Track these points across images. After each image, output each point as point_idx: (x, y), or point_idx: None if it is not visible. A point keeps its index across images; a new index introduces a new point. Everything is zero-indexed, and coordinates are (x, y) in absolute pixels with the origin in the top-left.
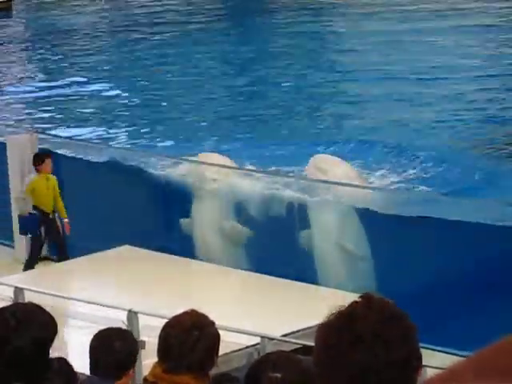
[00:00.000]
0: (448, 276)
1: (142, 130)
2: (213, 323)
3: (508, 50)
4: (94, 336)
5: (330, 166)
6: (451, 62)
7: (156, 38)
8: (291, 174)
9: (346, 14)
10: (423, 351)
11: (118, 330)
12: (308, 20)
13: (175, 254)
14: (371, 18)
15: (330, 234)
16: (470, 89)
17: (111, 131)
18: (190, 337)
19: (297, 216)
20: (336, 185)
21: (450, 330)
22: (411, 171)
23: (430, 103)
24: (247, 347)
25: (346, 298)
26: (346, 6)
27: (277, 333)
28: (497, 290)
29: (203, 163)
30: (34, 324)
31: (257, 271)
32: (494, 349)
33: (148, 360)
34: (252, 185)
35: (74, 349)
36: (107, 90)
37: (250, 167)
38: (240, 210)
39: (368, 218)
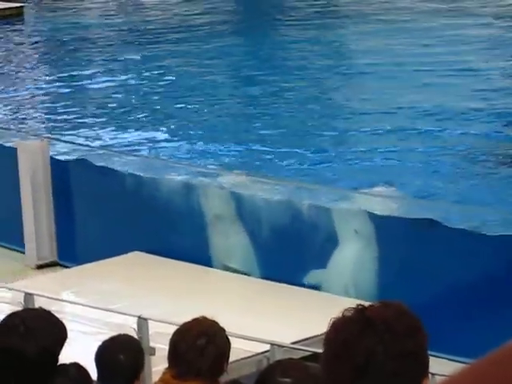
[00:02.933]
0: (456, 283)
1: (148, 134)
2: (223, 330)
3: None
4: (98, 348)
5: None
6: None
7: (167, 38)
8: (303, 181)
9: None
10: (432, 359)
11: (123, 339)
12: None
13: (185, 261)
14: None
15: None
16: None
17: (121, 136)
18: (199, 343)
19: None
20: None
21: (457, 337)
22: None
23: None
24: (257, 354)
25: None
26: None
27: (286, 340)
28: (505, 297)
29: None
30: (43, 330)
31: (266, 278)
32: (493, 359)
33: (158, 366)
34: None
35: (83, 355)
36: (118, 93)
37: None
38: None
39: (371, 222)
